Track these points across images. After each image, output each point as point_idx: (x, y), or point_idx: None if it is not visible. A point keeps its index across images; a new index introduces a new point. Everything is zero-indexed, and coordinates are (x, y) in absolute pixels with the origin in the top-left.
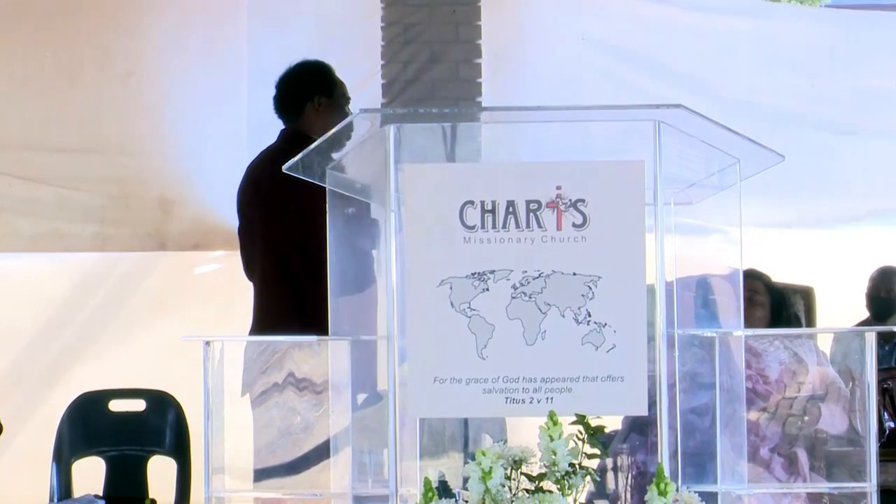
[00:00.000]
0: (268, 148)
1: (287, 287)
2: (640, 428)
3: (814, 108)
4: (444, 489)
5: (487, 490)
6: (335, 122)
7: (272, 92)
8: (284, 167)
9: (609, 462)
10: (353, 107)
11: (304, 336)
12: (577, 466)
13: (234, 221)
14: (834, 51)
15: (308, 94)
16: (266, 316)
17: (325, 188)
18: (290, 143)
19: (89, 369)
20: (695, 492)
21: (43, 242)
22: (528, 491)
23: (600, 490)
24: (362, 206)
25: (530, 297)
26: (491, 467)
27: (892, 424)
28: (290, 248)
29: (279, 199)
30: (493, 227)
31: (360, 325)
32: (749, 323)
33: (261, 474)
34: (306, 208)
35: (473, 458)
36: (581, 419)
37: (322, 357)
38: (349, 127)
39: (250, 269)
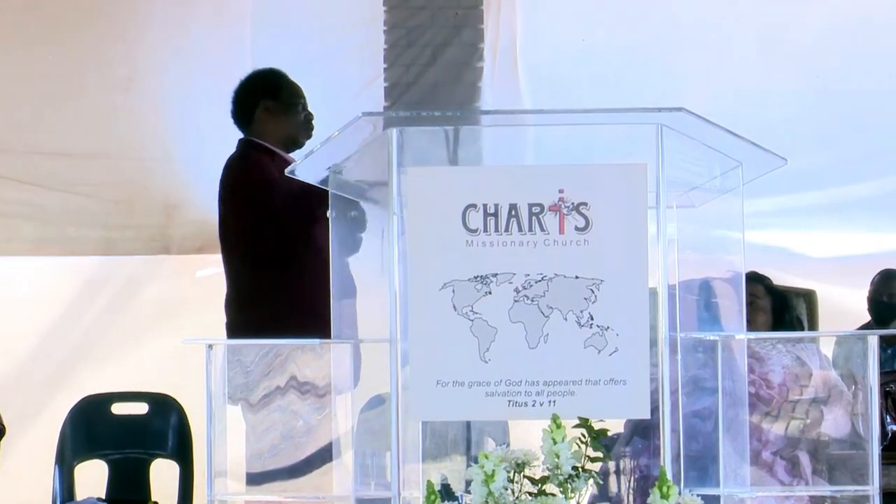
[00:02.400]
0: (227, 158)
1: (239, 295)
2: (643, 431)
3: (819, 107)
4: (446, 492)
5: (490, 493)
6: (285, 123)
7: None
8: (286, 171)
9: (612, 465)
10: (356, 110)
11: (306, 339)
12: (580, 469)
13: None
14: (839, 48)
15: (255, 100)
16: (230, 326)
17: (270, 197)
18: (241, 151)
19: (93, 372)
20: (697, 495)
21: (47, 246)
22: (530, 494)
23: (603, 493)
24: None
25: (533, 301)
26: (494, 470)
27: (894, 427)
28: (233, 256)
29: (223, 208)
30: (496, 230)
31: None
32: (751, 326)
33: (263, 477)
34: (241, 216)
35: (476, 461)
36: (584, 422)
37: (324, 360)
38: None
39: None
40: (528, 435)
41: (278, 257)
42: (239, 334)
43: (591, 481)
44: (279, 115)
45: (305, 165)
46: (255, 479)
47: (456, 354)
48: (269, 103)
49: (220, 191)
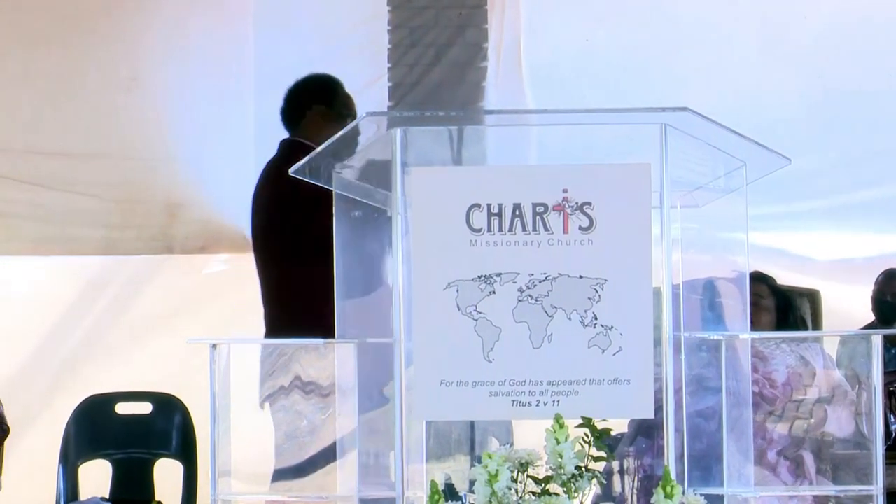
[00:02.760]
0: (269, 159)
1: (274, 296)
2: (647, 431)
3: (823, 106)
4: (450, 492)
5: (494, 493)
6: (334, 131)
7: (279, 95)
8: (290, 170)
9: (615, 465)
10: (360, 110)
11: (311, 339)
12: (584, 469)
13: (240, 224)
14: (842, 48)
15: (307, 103)
16: (267, 326)
17: (313, 196)
18: (284, 152)
19: (96, 372)
20: (701, 495)
21: (49, 246)
22: (534, 494)
23: (606, 493)
24: (370, 209)
25: (537, 300)
26: (497, 470)
27: None
28: (278, 257)
29: (270, 208)
30: (500, 230)
31: (367, 328)
32: (755, 326)
33: (268, 477)
34: (291, 217)
35: (480, 461)
36: (587, 422)
37: (328, 360)
38: (355, 132)
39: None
40: (531, 435)
41: (321, 255)
42: (277, 333)
43: (594, 481)
44: (329, 122)
45: (309, 165)
46: (259, 479)
47: (460, 354)
48: (321, 108)
49: (264, 190)
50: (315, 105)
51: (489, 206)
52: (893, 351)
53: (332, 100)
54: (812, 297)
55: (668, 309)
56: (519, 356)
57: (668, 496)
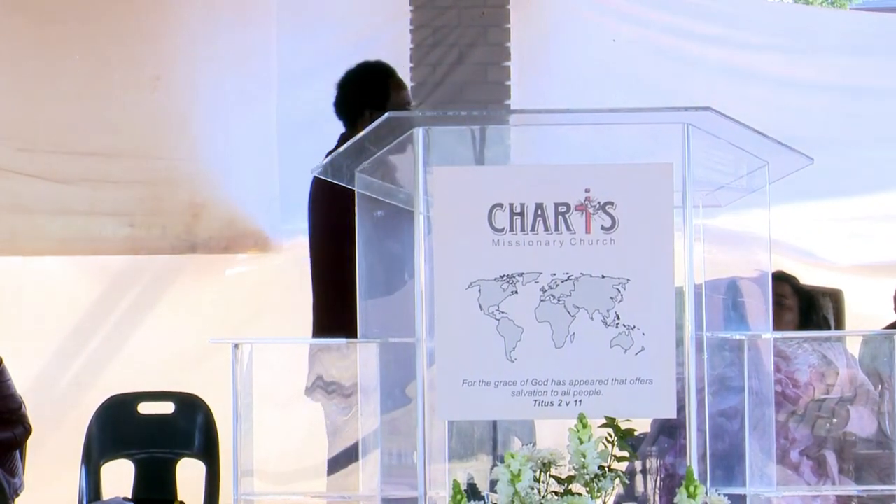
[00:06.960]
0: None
1: (313, 297)
2: (669, 430)
3: (843, 109)
4: (472, 491)
5: (516, 492)
6: None
7: (301, 94)
8: (311, 170)
9: (638, 464)
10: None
11: (333, 339)
12: (606, 469)
13: (263, 223)
14: (864, 52)
15: (360, 105)
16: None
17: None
18: None
19: (119, 372)
20: (724, 494)
21: (73, 245)
22: (556, 493)
23: (629, 492)
24: (391, 208)
25: (559, 300)
26: (520, 470)
27: None
28: (314, 257)
29: (311, 209)
30: (522, 229)
31: (389, 328)
32: (777, 326)
33: (290, 477)
34: (326, 218)
35: (502, 461)
36: (610, 422)
37: (350, 360)
38: (376, 131)
39: None
40: (554, 434)
41: None
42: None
43: (617, 481)
44: None
45: (332, 165)
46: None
47: (482, 354)
48: (374, 113)
49: (315, 198)
50: (366, 110)
51: (511, 205)
52: None
53: (384, 101)
54: (835, 296)
55: (690, 308)
56: (541, 356)
57: (691, 496)
